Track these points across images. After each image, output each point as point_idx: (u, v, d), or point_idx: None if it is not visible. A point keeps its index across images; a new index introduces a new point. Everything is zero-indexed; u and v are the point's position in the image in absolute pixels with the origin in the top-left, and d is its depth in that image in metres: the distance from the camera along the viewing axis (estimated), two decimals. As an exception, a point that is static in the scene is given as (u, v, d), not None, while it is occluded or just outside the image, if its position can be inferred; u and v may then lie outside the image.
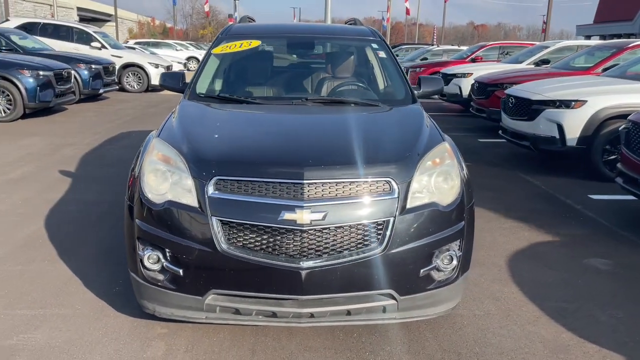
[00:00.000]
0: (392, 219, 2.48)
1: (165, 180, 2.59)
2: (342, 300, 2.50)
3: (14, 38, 12.88)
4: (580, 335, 2.96)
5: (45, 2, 39.22)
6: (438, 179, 2.69)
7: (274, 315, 2.51)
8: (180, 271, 2.50)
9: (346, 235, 2.45)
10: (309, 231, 2.40)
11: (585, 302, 3.34)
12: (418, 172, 2.61)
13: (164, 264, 2.54)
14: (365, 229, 2.46)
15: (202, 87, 3.60)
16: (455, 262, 2.69)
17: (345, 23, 5.08)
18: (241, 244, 2.44)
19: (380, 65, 4.04)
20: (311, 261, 2.40)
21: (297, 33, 4.23)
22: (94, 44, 15.96)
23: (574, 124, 6.22)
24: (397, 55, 22.68)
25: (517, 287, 3.54)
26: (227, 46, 3.91)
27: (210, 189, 2.47)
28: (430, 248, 2.59)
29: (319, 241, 2.42)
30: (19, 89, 9.75)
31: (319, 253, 2.42)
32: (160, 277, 2.58)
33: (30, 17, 20.58)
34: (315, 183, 2.44)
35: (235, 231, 2.44)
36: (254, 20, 4.90)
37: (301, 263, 2.39)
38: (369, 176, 2.51)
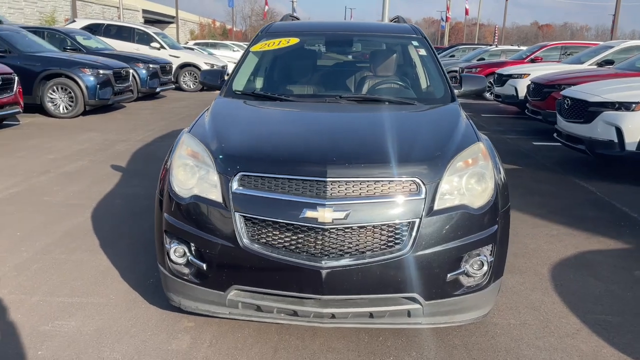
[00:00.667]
0: (418, 220, 2.40)
1: (192, 175, 2.61)
2: (364, 302, 2.44)
3: (79, 38, 13.49)
4: (622, 350, 2.78)
5: (113, 4, 40.93)
6: (470, 181, 2.58)
7: (295, 314, 2.48)
8: (204, 265, 2.51)
9: (369, 236, 2.39)
10: (331, 230, 2.36)
11: (632, 317, 3.13)
12: (448, 172, 2.51)
13: (189, 257, 2.57)
14: (390, 229, 2.40)
15: (239, 85, 3.62)
16: (485, 267, 2.58)
17: (390, 21, 5.00)
18: (263, 240, 2.42)
19: (420, 63, 3.94)
20: (333, 261, 2.36)
21: (336, 31, 4.19)
22: (153, 44, 16.49)
23: (634, 128, 5.87)
24: (453, 56, 22.26)
25: (559, 297, 3.36)
26: (265, 44, 3.92)
27: (235, 185, 2.47)
28: (459, 252, 2.49)
29: (341, 240, 2.37)
30: (80, 86, 10.19)
31: (340, 253, 2.38)
32: (186, 270, 2.61)
33: (96, 19, 21.46)
34: (339, 181, 2.40)
35: (257, 228, 2.43)
36: (297, 19, 4.90)
37: (322, 262, 2.35)
38: (395, 175, 2.44)
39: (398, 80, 3.89)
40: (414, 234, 2.40)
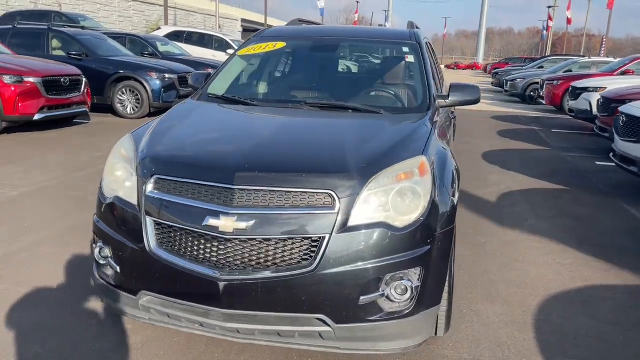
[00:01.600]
0: (327, 236, 2.23)
1: (119, 176, 2.60)
2: (270, 319, 2.30)
3: (157, 44, 14.24)
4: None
5: (213, 13, 42.99)
6: (397, 196, 2.36)
7: (201, 325, 2.39)
8: (117, 268, 2.49)
9: (274, 249, 2.25)
10: (232, 240, 2.25)
11: (610, 364, 2.73)
12: (369, 186, 2.32)
13: (108, 259, 2.55)
14: (296, 244, 2.24)
15: (215, 87, 3.59)
16: (409, 293, 2.34)
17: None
18: (170, 246, 2.36)
19: (404, 70, 3.70)
20: (232, 273, 2.25)
21: (325, 35, 4.05)
22: (229, 50, 17.04)
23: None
24: (542, 67, 20.97)
25: (534, 334, 3.01)
26: (252, 48, 3.87)
27: (149, 188, 2.43)
28: (375, 273, 2.28)
29: (242, 252, 2.25)
30: (146, 89, 10.72)
31: (242, 265, 2.26)
32: (108, 272, 2.60)
33: (181, 26, 22.61)
34: (247, 189, 2.28)
35: (165, 233, 2.38)
36: (308, 23, 4.80)
37: (221, 274, 2.25)
38: (308, 187, 2.28)
39: (375, 87, 3.69)
40: (322, 250, 2.23)
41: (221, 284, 2.23)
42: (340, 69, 3.96)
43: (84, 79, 9.45)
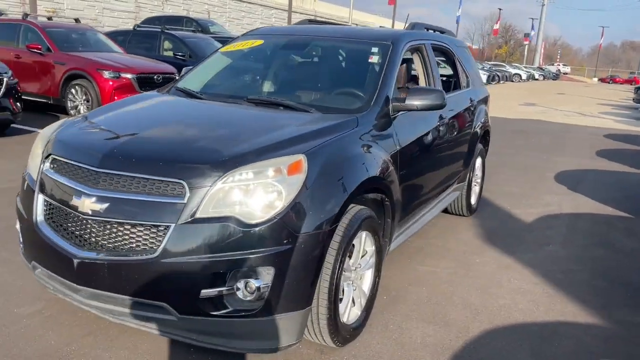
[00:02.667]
0: (172, 226, 2.25)
1: (36, 155, 2.83)
2: (120, 301, 2.37)
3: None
4: None
5: (354, 22, 44.02)
6: (253, 192, 2.31)
7: (73, 300, 2.53)
8: (21, 241, 2.73)
9: (125, 234, 2.32)
10: (90, 221, 2.37)
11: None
12: (226, 179, 2.29)
13: (19, 233, 2.80)
14: (145, 231, 2.30)
15: (186, 81, 3.74)
16: (258, 292, 2.28)
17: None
18: (50, 222, 2.54)
19: (363, 71, 3.53)
20: (87, 252, 2.36)
21: (302, 35, 4.00)
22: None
23: None
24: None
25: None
26: (233, 45, 3.97)
27: (45, 166, 2.64)
28: (220, 268, 2.25)
29: (98, 233, 2.36)
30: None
31: (97, 246, 2.36)
32: (20, 245, 2.84)
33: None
34: (110, 174, 2.39)
35: (48, 209, 2.57)
36: (319, 23, 4.77)
37: (77, 252, 2.37)
38: (162, 175, 2.32)
39: (326, 86, 3.57)
40: (166, 239, 2.26)
41: (76, 262, 2.36)
42: (300, 67, 3.90)
43: (177, 78, 10.24)
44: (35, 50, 9.82)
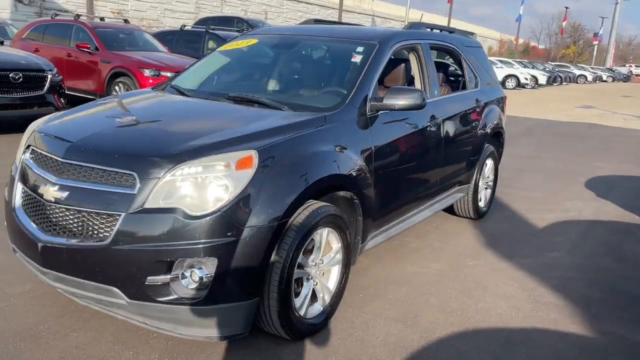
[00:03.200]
0: (123, 215, 2.39)
1: (22, 146, 3.05)
2: (79, 284, 2.53)
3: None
4: None
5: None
6: (200, 185, 2.41)
7: (45, 282, 2.72)
8: (5, 223, 2.95)
9: (82, 220, 2.48)
10: (53, 207, 2.54)
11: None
12: (175, 172, 2.41)
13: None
14: (98, 218, 2.45)
15: (180, 79, 3.90)
16: (201, 282, 2.38)
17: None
18: (25, 207, 2.74)
19: (345, 69, 3.55)
20: (51, 237, 2.54)
21: (295, 34, 4.05)
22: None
23: None
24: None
25: (401, 361, 2.74)
26: (231, 44, 4.09)
27: (25, 156, 2.85)
28: (164, 256, 2.37)
29: (59, 219, 2.53)
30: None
31: (59, 231, 2.53)
32: None
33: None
34: (73, 164, 2.55)
35: (24, 195, 2.77)
36: (325, 23, 4.83)
37: (42, 236, 2.55)
38: (116, 167, 2.47)
39: (306, 84, 3.62)
40: (117, 227, 2.39)
41: (40, 245, 2.54)
42: (285, 66, 3.95)
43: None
44: (85, 50, 10.38)
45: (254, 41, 4.03)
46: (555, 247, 4.59)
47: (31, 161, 2.80)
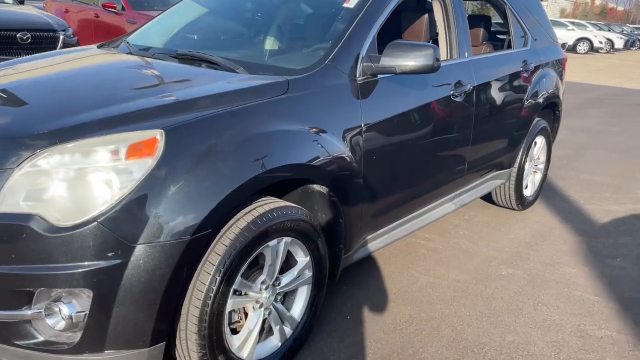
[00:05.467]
0: None
1: None
2: None
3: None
4: None
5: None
6: (75, 181, 1.65)
7: None
8: None
9: None
10: None
11: None
12: (33, 161, 1.65)
13: None
14: None
15: (136, 34, 3.11)
16: (71, 321, 1.65)
17: None
18: None
19: (333, 20, 2.64)
20: None
21: None
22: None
23: None
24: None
25: None
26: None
27: None
28: (18, 284, 1.65)
29: None
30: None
31: None
32: None
33: None
34: None
35: None
36: None
37: None
38: None
39: (280, 40, 2.74)
40: None
41: None
42: (256, 15, 3.07)
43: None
44: (111, 10, 9.80)
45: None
46: (620, 252, 3.58)
47: None
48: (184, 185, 1.72)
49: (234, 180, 1.81)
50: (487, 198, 4.13)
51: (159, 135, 1.73)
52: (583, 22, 30.29)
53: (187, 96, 1.96)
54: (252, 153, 1.89)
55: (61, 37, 7.46)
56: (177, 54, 2.55)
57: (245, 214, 1.92)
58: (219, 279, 1.81)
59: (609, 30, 30.92)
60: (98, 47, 3.01)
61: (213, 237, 1.82)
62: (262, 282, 2.06)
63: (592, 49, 26.82)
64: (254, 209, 1.95)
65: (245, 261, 1.91)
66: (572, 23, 28.02)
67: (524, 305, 2.85)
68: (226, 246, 1.83)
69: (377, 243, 2.72)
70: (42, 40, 7.27)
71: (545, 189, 4.59)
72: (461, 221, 3.94)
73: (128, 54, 2.74)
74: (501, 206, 4.19)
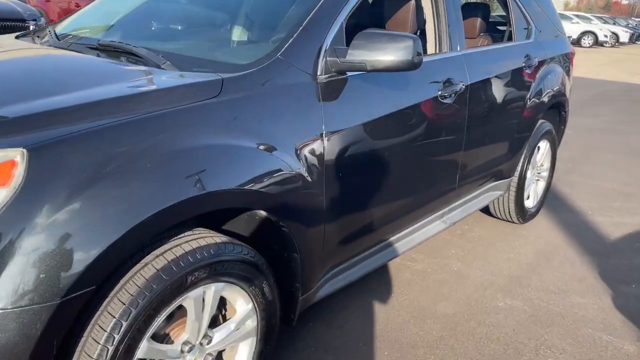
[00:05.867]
0: None
1: None
2: None
3: None
4: None
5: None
6: None
7: None
8: None
9: None
10: None
11: None
12: None
13: None
14: None
15: (65, 22, 2.62)
16: None
17: None
18: None
19: (291, 5, 2.15)
20: None
21: None
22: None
23: None
24: None
25: None
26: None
27: None
28: None
29: None
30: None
31: None
32: None
33: None
34: None
35: None
36: None
37: None
38: None
39: (222, 26, 2.25)
40: None
41: None
42: (206, 3, 2.58)
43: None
44: (92, -2, 9.32)
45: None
46: (635, 276, 3.11)
47: None
48: (54, 227, 1.24)
49: (132, 217, 1.33)
50: (484, 209, 3.66)
51: (19, 156, 1.25)
52: (588, 15, 29.65)
53: (77, 101, 1.47)
54: (159, 178, 1.41)
55: (31, 27, 6.96)
56: (98, 45, 2.06)
57: (154, 258, 1.45)
58: (111, 349, 1.34)
59: (614, 24, 30.28)
60: (16, 37, 2.51)
61: (103, 293, 1.35)
62: (185, 343, 1.59)
63: (597, 43, 26.22)
64: (169, 249, 1.48)
65: (154, 320, 1.45)
66: (577, 16, 27.40)
67: (524, 349, 2.38)
68: (124, 304, 1.37)
69: (347, 276, 2.25)
70: (10, 30, 6.77)
71: (549, 197, 4.11)
72: (453, 237, 3.47)
73: (43, 44, 2.25)
74: (499, 218, 3.72)
